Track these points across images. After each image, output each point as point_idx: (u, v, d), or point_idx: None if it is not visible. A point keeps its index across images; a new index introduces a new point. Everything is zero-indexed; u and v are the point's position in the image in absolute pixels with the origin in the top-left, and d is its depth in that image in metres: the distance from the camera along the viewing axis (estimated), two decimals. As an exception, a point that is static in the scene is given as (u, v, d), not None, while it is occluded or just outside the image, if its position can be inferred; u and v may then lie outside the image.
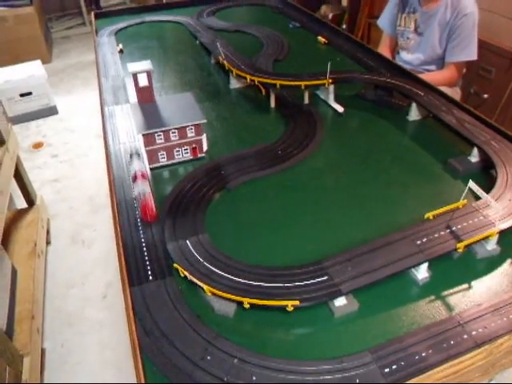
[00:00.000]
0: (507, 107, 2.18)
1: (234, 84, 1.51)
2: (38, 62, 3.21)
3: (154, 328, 0.72)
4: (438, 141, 1.19)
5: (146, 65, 1.13)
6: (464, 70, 2.02)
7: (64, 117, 3.25)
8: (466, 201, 0.88)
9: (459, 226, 0.83)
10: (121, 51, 1.84)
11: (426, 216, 0.86)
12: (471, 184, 0.84)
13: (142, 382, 0.63)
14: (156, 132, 1.06)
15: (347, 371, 0.66)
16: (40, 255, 1.89)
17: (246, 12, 2.38)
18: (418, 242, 0.80)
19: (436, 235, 0.81)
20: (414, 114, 1.28)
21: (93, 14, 2.24)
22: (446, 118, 1.16)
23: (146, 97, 1.15)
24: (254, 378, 0.65)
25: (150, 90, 1.15)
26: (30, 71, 3.08)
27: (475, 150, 1.07)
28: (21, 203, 2.14)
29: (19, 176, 1.98)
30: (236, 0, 2.44)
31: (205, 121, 1.07)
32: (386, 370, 0.65)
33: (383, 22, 2.21)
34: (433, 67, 2.04)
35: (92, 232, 2.23)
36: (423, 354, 0.67)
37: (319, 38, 1.87)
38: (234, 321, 0.75)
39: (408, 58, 2.10)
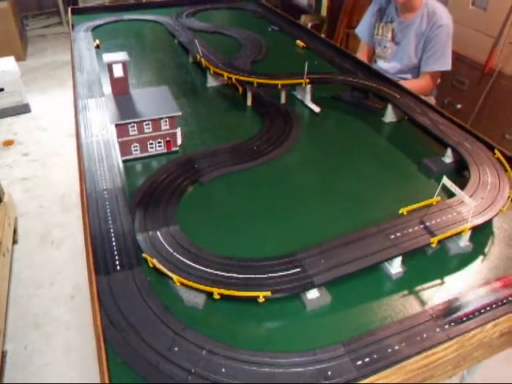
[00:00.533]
0: (479, 117, 2.24)
1: (211, 82, 1.50)
2: (12, 58, 3.13)
3: (120, 318, 0.69)
4: (412, 142, 1.21)
5: (121, 55, 1.10)
6: (438, 80, 2.07)
7: (37, 115, 3.17)
8: (439, 198, 0.89)
9: (433, 222, 0.83)
10: (97, 47, 1.81)
11: (400, 211, 0.86)
12: (445, 180, 0.85)
13: (106, 373, 0.60)
14: (129, 123, 1.03)
15: (319, 363, 0.64)
16: (5, 253, 1.82)
17: (226, 15, 2.38)
18: (392, 237, 0.80)
19: (410, 230, 0.81)
20: (390, 116, 1.29)
21: (70, 8, 2.20)
22: (421, 119, 1.18)
23: (120, 88, 1.12)
24: (224, 370, 0.62)
25: (125, 81, 1.12)
26: (2, 67, 2.99)
27: (449, 151, 1.08)
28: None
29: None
30: (216, 3, 2.44)
31: (179, 113, 1.06)
32: (359, 362, 0.64)
33: (361, 30, 2.25)
34: (408, 76, 2.08)
35: (62, 232, 2.16)
36: (396, 347, 0.66)
37: (298, 41, 1.88)
38: (204, 313, 0.72)
39: (385, 66, 2.13)
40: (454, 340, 0.66)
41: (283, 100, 1.37)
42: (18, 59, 3.30)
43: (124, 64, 1.10)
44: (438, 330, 0.69)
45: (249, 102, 1.36)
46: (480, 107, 2.23)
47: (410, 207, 0.86)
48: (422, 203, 0.87)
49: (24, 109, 3.16)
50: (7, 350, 1.61)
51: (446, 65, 1.92)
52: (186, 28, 2.01)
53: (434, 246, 0.79)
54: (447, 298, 0.75)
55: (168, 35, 1.99)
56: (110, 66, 1.09)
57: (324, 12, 3.75)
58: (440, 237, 0.79)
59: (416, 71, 2.04)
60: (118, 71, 1.11)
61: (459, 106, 2.39)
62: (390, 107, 1.27)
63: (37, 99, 3.33)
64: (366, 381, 0.60)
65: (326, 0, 3.70)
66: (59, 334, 1.68)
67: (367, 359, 0.65)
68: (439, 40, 1.90)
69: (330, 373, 0.63)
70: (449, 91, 2.42)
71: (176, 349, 0.65)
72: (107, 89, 1.37)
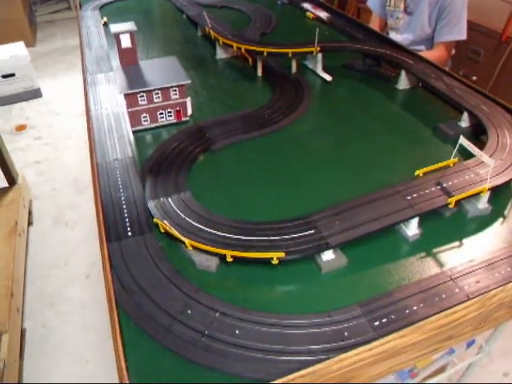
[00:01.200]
0: (495, 88, 2.18)
1: (221, 54, 1.47)
2: (21, 43, 3.12)
3: (132, 283, 0.68)
4: (427, 108, 1.17)
5: (129, 25, 1.09)
6: (453, 51, 2.01)
7: (48, 100, 3.18)
8: (456, 159, 0.86)
9: (450, 183, 0.80)
10: (105, 24, 1.78)
11: (416, 173, 0.84)
12: (462, 140, 0.82)
13: (118, 335, 0.59)
14: (138, 92, 1.02)
15: (335, 324, 0.63)
16: (21, 234, 1.84)
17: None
18: (408, 198, 0.78)
19: (426, 191, 0.79)
20: (403, 83, 1.25)
21: (76, -11, 2.17)
22: (436, 84, 1.14)
23: (129, 59, 1.11)
24: (237, 332, 0.62)
25: (134, 52, 1.11)
26: (12, 52, 2.99)
27: (465, 115, 1.05)
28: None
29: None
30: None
31: (189, 81, 1.04)
32: (376, 323, 0.63)
33: (372, 2, 2.19)
34: (422, 47, 2.02)
35: (75, 213, 2.17)
36: (414, 308, 0.65)
37: (307, 13, 1.83)
38: (217, 276, 0.71)
39: (397, 38, 2.07)
40: (474, 299, 0.64)
41: (294, 69, 1.34)
42: (27, 45, 3.29)
43: (132, 34, 1.08)
44: (457, 290, 0.67)
45: (259, 73, 1.33)
46: (496, 77, 2.16)
47: (425, 169, 0.84)
48: (439, 165, 0.85)
49: (35, 94, 3.16)
50: (26, 328, 1.63)
51: (461, 34, 1.86)
52: (194, 3, 1.97)
53: (451, 206, 0.77)
54: (466, 259, 0.72)
55: (176, 11, 1.96)
56: (117, 37, 1.08)
57: (333, -12, 3.66)
58: (458, 197, 0.76)
59: (430, 42, 1.98)
60: (126, 41, 1.09)
61: (474, 77, 2.32)
62: (403, 73, 1.23)
63: (48, 84, 3.33)
64: (383, 340, 0.58)
65: (336, -25, 3.61)
66: (75, 313, 1.70)
67: (385, 320, 0.63)
68: (454, 8, 1.83)
69: (346, 334, 0.62)
70: (464, 63, 2.35)
71: (189, 311, 0.64)
72: (116, 63, 1.36)
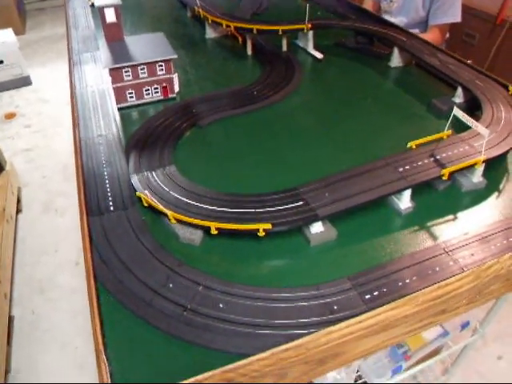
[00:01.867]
0: (490, 71, 2.14)
1: (210, 34, 1.43)
2: (10, 29, 3.06)
3: (113, 257, 0.65)
4: (420, 85, 1.14)
5: (113, -1, 1.05)
6: (447, 35, 1.98)
7: (38, 88, 3.12)
8: (450, 131, 0.83)
9: (444, 155, 0.78)
10: (92, 5, 1.74)
11: (408, 145, 0.81)
12: (455, 111, 0.79)
13: (95, 310, 0.57)
14: (123, 67, 0.98)
15: (324, 298, 0.60)
16: (9, 221, 1.80)
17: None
18: (401, 169, 0.75)
19: (419, 163, 0.76)
20: (396, 61, 1.22)
21: (64, -29, 2.11)
22: (430, 60, 1.11)
23: (114, 34, 1.07)
24: (221, 306, 0.59)
25: (119, 27, 1.07)
26: (0, 39, 2.93)
27: (459, 90, 1.02)
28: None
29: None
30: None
31: (175, 56, 1.00)
32: (367, 296, 0.60)
33: (367, -15, 2.15)
34: (416, 31, 1.98)
35: (65, 200, 2.14)
36: (407, 281, 0.62)
37: (300, -6, 1.79)
38: (201, 250, 0.68)
39: (391, 21, 2.04)
40: (469, 271, 0.61)
41: (285, 48, 1.30)
42: (17, 33, 3.22)
43: (116, 8, 1.04)
44: (451, 263, 0.65)
45: (249, 51, 1.30)
46: (491, 60, 2.14)
47: (418, 141, 0.81)
48: (432, 137, 0.82)
49: (25, 81, 3.11)
50: (14, 315, 1.61)
51: (455, 16, 1.82)
52: (183, -15, 1.92)
53: (445, 178, 0.74)
54: (460, 232, 0.70)
55: (165, -7, 1.91)
56: (101, 11, 1.04)
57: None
58: (452, 168, 0.74)
59: (423, 25, 1.94)
60: (111, 16, 1.05)
61: (469, 61, 2.29)
62: (396, 50, 1.20)
63: (37, 72, 3.28)
64: (374, 312, 0.56)
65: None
66: (64, 300, 1.67)
67: (376, 293, 0.61)
68: (448, -11, 1.80)
69: (335, 307, 0.59)
70: (458, 46, 2.32)
71: (171, 285, 0.61)
72: (102, 41, 1.32)
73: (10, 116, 2.84)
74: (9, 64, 2.99)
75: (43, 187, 2.24)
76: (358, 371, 1.05)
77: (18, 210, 2.05)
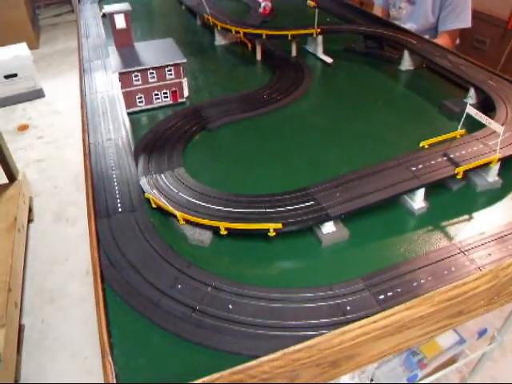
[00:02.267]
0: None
1: (220, 40, 1.44)
2: (24, 44, 3.12)
3: (120, 259, 0.64)
4: (431, 87, 1.13)
5: (123, 6, 1.06)
6: (457, 41, 1.96)
7: (51, 100, 3.16)
8: (463, 130, 0.81)
9: (457, 154, 0.76)
10: (103, 15, 1.76)
11: (420, 145, 0.79)
12: (469, 108, 0.78)
13: (102, 312, 0.55)
14: (133, 72, 0.99)
15: (336, 298, 0.59)
16: (21, 230, 1.81)
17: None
18: (413, 169, 0.73)
19: (432, 162, 0.75)
20: (407, 64, 1.21)
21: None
22: (441, 62, 1.10)
23: (123, 40, 1.08)
24: (231, 307, 0.57)
25: (128, 33, 1.08)
26: (14, 52, 2.99)
27: (472, 91, 1.00)
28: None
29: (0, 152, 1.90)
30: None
31: (185, 60, 1.00)
32: (381, 296, 0.58)
33: (375, -7, 2.15)
34: (426, 37, 1.97)
35: (76, 210, 2.14)
36: (422, 281, 0.60)
37: (308, 1, 1.80)
38: (210, 251, 0.67)
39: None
40: (486, 270, 0.59)
41: (294, 53, 1.30)
42: (31, 47, 3.28)
43: (126, 14, 1.06)
44: (467, 263, 0.63)
45: (258, 57, 1.30)
46: (502, 65, 2.11)
47: (431, 140, 0.79)
48: (445, 136, 0.80)
49: (38, 94, 3.15)
50: (24, 324, 1.60)
51: (465, 22, 1.81)
52: (193, -5, 1.94)
53: (459, 177, 0.72)
54: (476, 232, 0.68)
55: (176, 3, 1.93)
56: (111, 17, 1.05)
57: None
58: (466, 166, 0.72)
59: (433, 32, 1.93)
60: (121, 22, 1.06)
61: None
62: (406, 53, 1.19)
63: (50, 84, 3.32)
64: (389, 312, 0.54)
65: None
66: (75, 308, 1.66)
67: (390, 293, 0.59)
68: (458, -5, 1.79)
69: (348, 308, 0.57)
70: (469, 52, 2.29)
71: (179, 286, 0.60)
72: (112, 53, 1.33)
73: (23, 128, 2.87)
74: (22, 77, 3.04)
75: (55, 197, 2.25)
76: (372, 379, 1.02)
77: (30, 220, 2.06)
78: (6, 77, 2.99)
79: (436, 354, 1.10)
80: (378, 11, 2.16)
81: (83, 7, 1.89)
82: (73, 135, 2.74)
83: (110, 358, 0.49)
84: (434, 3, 1.85)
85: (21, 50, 3.04)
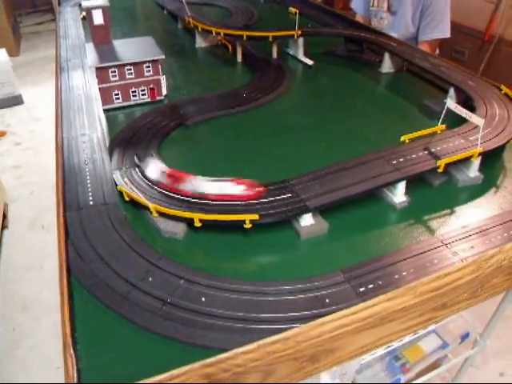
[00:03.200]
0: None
1: (200, 43, 1.42)
2: (3, 50, 3.06)
3: (89, 251, 0.61)
4: (412, 89, 1.13)
5: (101, 1, 1.04)
6: (437, 51, 1.99)
7: (30, 106, 3.11)
8: (444, 126, 0.81)
9: (438, 148, 0.75)
10: (84, 18, 1.73)
11: (401, 139, 0.78)
12: (449, 103, 0.77)
13: (66, 303, 0.52)
14: (110, 67, 0.96)
15: (315, 291, 0.56)
16: (-8, 236, 1.74)
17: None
18: (394, 162, 0.72)
19: (413, 156, 0.74)
20: (387, 66, 1.21)
21: (56, -12, 2.13)
22: (421, 63, 1.10)
23: (101, 37, 1.05)
24: (204, 299, 0.54)
25: (106, 29, 1.05)
26: (-8, 58, 2.94)
27: (451, 91, 1.01)
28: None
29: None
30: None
31: (163, 57, 0.98)
32: (362, 289, 0.56)
33: (356, 3, 2.17)
34: (407, 45, 2.00)
35: (53, 216, 2.08)
36: (404, 274, 0.58)
37: (290, 8, 1.80)
38: (184, 245, 0.64)
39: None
40: (469, 260, 0.57)
41: (275, 55, 1.29)
42: (11, 55, 3.23)
43: (104, 10, 1.03)
44: (450, 255, 0.61)
45: (239, 58, 1.29)
46: (481, 75, 2.15)
47: (412, 135, 0.78)
48: (426, 131, 0.80)
49: (16, 100, 3.09)
50: (-6, 333, 1.53)
51: (444, 32, 1.84)
52: (175, 1, 1.93)
53: (440, 170, 0.71)
54: (458, 226, 0.67)
55: (157, 8, 1.92)
56: (89, 13, 1.02)
57: (319, -3, 3.68)
58: (448, 159, 0.71)
59: (414, 42, 1.95)
60: (98, 18, 1.04)
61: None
62: (387, 55, 1.19)
63: (30, 91, 3.27)
64: (370, 302, 0.51)
65: (322, -15, 3.63)
66: (48, 317, 1.60)
67: (371, 285, 0.57)
68: (437, 6, 1.82)
69: (327, 300, 0.55)
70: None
71: (150, 279, 0.57)
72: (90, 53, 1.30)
73: (1, 134, 2.81)
74: (0, 83, 2.98)
75: (31, 203, 2.19)
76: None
77: (4, 226, 1.99)
78: (-16, 82, 2.93)
79: (419, 358, 1.07)
80: (359, 21, 2.18)
81: (63, 10, 1.87)
82: (52, 142, 2.67)
83: (71, 351, 0.45)
84: (414, 14, 1.88)
85: (-1, 55, 2.99)
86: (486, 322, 1.09)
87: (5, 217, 2.02)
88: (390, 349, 0.75)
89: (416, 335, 0.74)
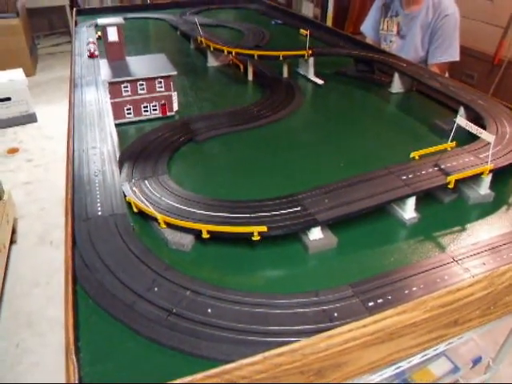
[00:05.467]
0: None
1: (212, 62, 1.45)
2: (20, 69, 3.14)
3: (96, 261, 0.61)
4: (422, 109, 1.13)
5: (116, 19, 1.06)
6: (447, 75, 2.00)
7: (43, 125, 3.16)
8: (454, 143, 0.80)
9: (448, 165, 0.75)
10: (99, 38, 1.78)
11: (411, 156, 0.78)
12: (459, 120, 0.77)
13: (70, 310, 0.51)
14: (122, 82, 0.98)
15: (323, 304, 0.55)
16: (1, 250, 1.75)
17: (229, 13, 2.36)
18: (404, 178, 0.71)
19: (423, 172, 0.73)
20: (397, 86, 1.22)
21: (74, 10, 2.20)
22: (431, 83, 1.10)
23: (115, 53, 1.08)
24: (210, 311, 0.54)
25: (120, 46, 1.08)
26: (10, 77, 3.01)
27: (461, 110, 1.01)
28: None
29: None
30: (220, 4, 2.43)
31: (175, 73, 1.00)
32: (371, 303, 0.55)
33: (366, 27, 2.21)
34: (416, 68, 2.02)
35: (62, 233, 2.08)
36: (414, 289, 0.57)
37: (301, 30, 1.84)
38: (191, 257, 0.64)
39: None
40: (481, 276, 0.56)
41: (286, 74, 1.31)
42: (27, 74, 3.31)
43: (119, 28, 1.06)
44: (461, 271, 0.60)
45: (250, 77, 1.30)
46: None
47: (422, 151, 0.78)
48: (436, 148, 0.79)
49: (30, 118, 3.15)
50: (-3, 348, 1.52)
51: (453, 55, 1.85)
52: (188, 22, 1.98)
53: (450, 186, 0.70)
54: (469, 243, 0.66)
55: (171, 29, 1.96)
56: (104, 30, 1.05)
57: (330, 22, 3.75)
58: (458, 176, 0.70)
59: (423, 65, 1.97)
60: (113, 35, 1.06)
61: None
62: (396, 76, 1.20)
63: (44, 110, 3.33)
64: (379, 316, 0.50)
65: (332, 11, 3.71)
66: (52, 333, 1.58)
67: (380, 300, 0.56)
68: (446, 30, 1.84)
69: (336, 314, 0.54)
70: (459, 86, 2.36)
71: (156, 289, 0.56)
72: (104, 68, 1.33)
73: (13, 151, 2.85)
74: (16, 101, 3.04)
75: (40, 219, 2.20)
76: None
77: (13, 241, 2.00)
78: (0, 100, 2.99)
79: (429, 382, 1.04)
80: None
81: (79, 30, 1.91)
82: (63, 160, 2.71)
83: (73, 357, 0.44)
84: (423, 37, 1.90)
85: (16, 75, 3.06)
86: (498, 347, 1.06)
87: (14, 232, 2.03)
88: (399, 370, 0.73)
89: (426, 357, 0.72)
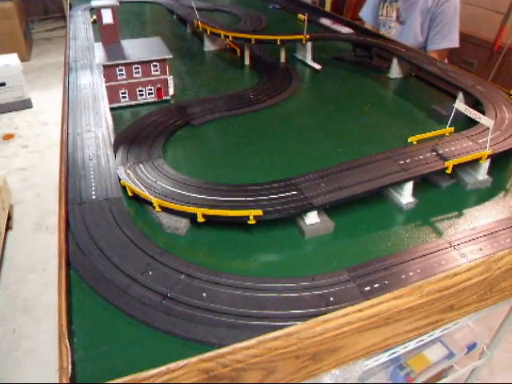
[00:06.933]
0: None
1: (209, 46, 1.43)
2: (14, 54, 3.10)
3: (90, 244, 0.60)
4: (420, 94, 1.12)
5: (111, 1, 1.04)
6: (446, 61, 1.98)
7: (38, 110, 3.13)
8: (452, 128, 0.79)
9: (447, 150, 0.74)
10: (94, 22, 1.75)
11: (409, 140, 0.77)
12: (458, 104, 0.76)
13: (63, 293, 0.51)
14: (117, 65, 0.96)
15: (319, 289, 0.55)
16: (-3, 236, 1.74)
17: (228, -1, 2.32)
18: (401, 162, 0.71)
19: (421, 157, 0.72)
20: (395, 71, 1.20)
21: (68, -7, 2.15)
22: (430, 68, 1.09)
23: (110, 36, 1.06)
24: (205, 295, 0.53)
25: (115, 29, 1.06)
26: (4, 62, 2.96)
27: (460, 95, 1.00)
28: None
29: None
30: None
31: (170, 56, 0.98)
32: (367, 288, 0.55)
33: (365, 13, 2.18)
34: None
35: (57, 218, 2.08)
36: (410, 274, 0.57)
37: (299, 15, 1.81)
38: (186, 240, 0.63)
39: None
40: (478, 261, 0.56)
41: (283, 59, 1.29)
42: (22, 60, 3.27)
43: (113, 9, 1.04)
44: (458, 257, 0.59)
45: (246, 61, 1.29)
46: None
47: (420, 136, 0.77)
48: (434, 133, 0.78)
49: (25, 104, 3.11)
50: (-7, 334, 1.52)
51: (453, 42, 1.83)
52: (185, 6, 1.95)
53: (448, 172, 0.70)
54: (466, 228, 0.65)
55: (167, 13, 1.93)
56: (98, 12, 1.03)
57: (328, 7, 3.71)
58: (456, 161, 0.69)
59: (423, 51, 1.96)
60: (108, 17, 1.04)
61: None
62: (395, 61, 1.19)
63: (39, 95, 3.29)
64: (376, 300, 0.50)
65: (331, -4, 3.66)
66: (48, 319, 1.58)
67: (377, 285, 0.55)
68: (446, 16, 1.82)
69: (332, 299, 0.54)
70: (458, 73, 2.34)
71: (150, 273, 0.56)
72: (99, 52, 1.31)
73: (8, 137, 2.82)
74: (11, 86, 3.00)
75: (36, 206, 2.19)
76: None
77: (9, 227, 1.99)
78: (-6, 85, 2.96)
79: (424, 367, 1.05)
80: (367, 30, 2.18)
81: (74, 13, 1.88)
82: (59, 145, 2.69)
83: (66, 341, 0.44)
84: (422, 23, 1.88)
85: (11, 60, 3.01)
86: (493, 333, 1.07)
87: (10, 218, 2.02)
88: (394, 355, 0.73)
89: (421, 343, 0.72)
